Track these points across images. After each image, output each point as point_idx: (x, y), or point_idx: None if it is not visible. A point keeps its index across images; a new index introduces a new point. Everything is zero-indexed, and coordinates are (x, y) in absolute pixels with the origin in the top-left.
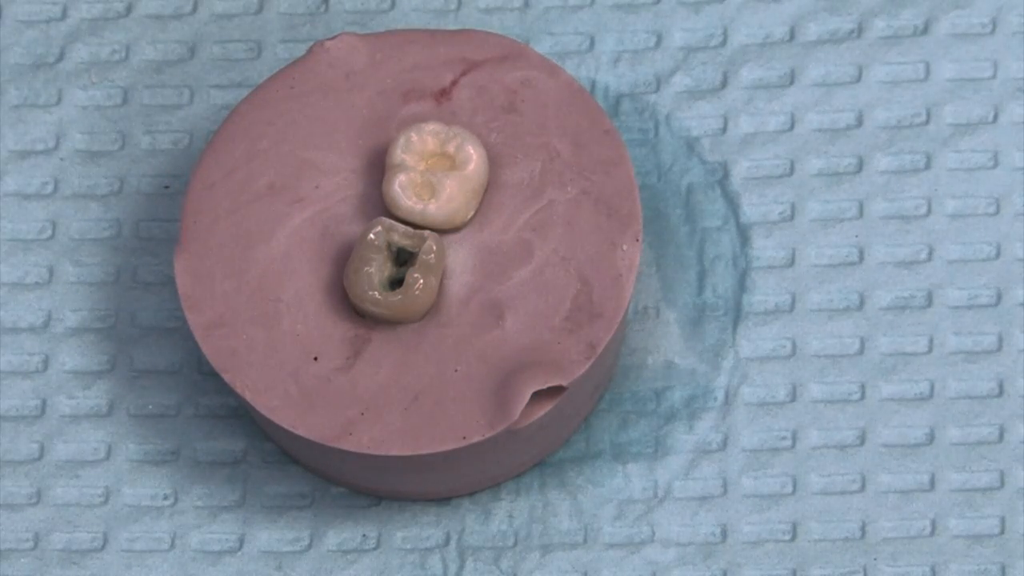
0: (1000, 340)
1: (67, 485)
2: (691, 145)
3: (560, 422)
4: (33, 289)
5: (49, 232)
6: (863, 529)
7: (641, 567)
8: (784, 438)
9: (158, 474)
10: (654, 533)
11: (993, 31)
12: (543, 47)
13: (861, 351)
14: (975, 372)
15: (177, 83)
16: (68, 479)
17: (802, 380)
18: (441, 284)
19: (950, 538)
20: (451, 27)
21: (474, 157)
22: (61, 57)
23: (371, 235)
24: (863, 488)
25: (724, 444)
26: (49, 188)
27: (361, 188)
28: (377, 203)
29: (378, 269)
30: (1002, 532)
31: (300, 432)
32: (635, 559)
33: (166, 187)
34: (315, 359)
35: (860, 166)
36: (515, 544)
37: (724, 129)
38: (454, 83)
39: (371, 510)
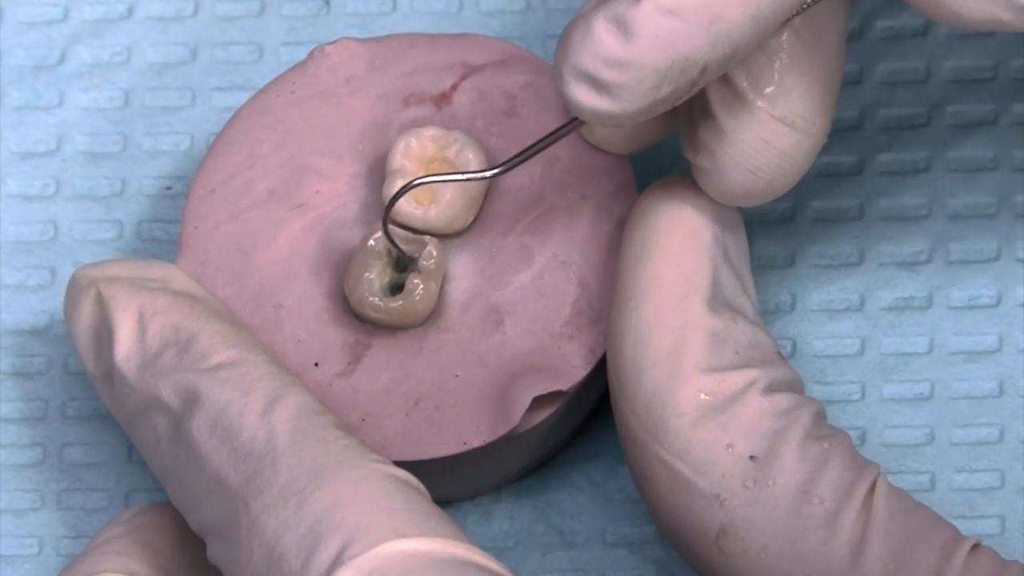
0: (1000, 340)
1: (71, 489)
2: None
3: (561, 427)
4: (35, 291)
5: (51, 234)
6: None
7: (642, 567)
8: None
9: None
10: (656, 533)
11: (993, 31)
12: (544, 51)
13: (861, 351)
14: (975, 372)
15: (179, 85)
16: (72, 482)
17: (802, 380)
18: (441, 289)
19: None
20: (453, 29)
21: (474, 162)
22: (63, 59)
23: (371, 241)
24: None
25: None
26: (51, 190)
27: (361, 193)
28: (377, 209)
29: (378, 275)
30: (1002, 532)
31: None
32: (636, 559)
33: (168, 188)
34: (316, 365)
35: (860, 166)
36: (516, 544)
37: None
38: (454, 87)
39: None
